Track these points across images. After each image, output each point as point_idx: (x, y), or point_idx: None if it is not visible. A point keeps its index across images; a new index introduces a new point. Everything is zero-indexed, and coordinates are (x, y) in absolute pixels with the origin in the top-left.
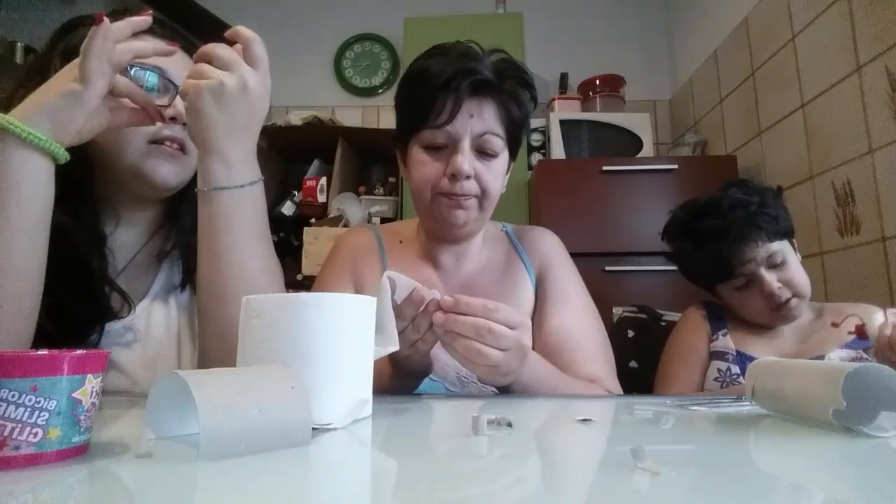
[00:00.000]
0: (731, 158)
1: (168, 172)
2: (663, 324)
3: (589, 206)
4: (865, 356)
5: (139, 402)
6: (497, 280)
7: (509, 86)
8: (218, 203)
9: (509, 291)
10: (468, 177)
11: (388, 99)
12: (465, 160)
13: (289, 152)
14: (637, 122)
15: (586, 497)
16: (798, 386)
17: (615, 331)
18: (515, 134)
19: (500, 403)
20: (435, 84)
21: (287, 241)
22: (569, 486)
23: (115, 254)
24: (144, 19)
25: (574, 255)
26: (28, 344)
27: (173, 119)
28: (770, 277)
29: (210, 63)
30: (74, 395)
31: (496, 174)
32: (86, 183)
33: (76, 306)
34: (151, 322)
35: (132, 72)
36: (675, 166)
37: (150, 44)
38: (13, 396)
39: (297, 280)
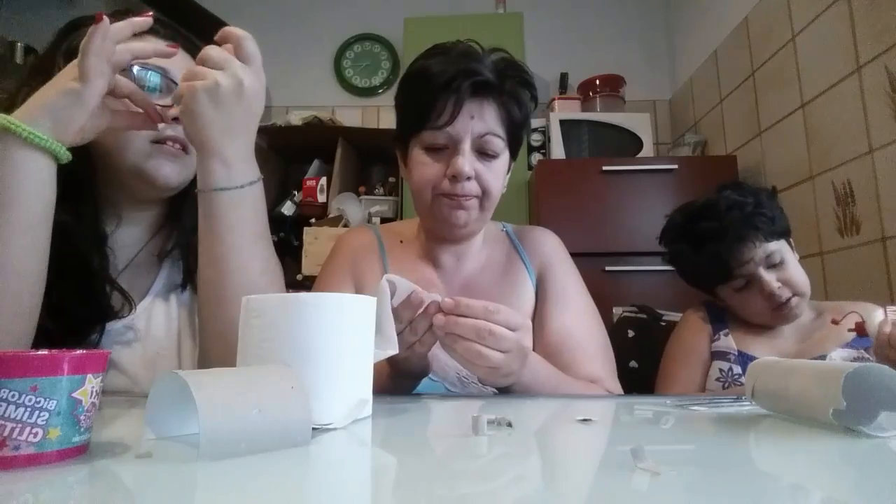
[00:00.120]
0: (731, 158)
1: (170, 172)
2: (663, 324)
3: (589, 206)
4: (867, 356)
5: (139, 402)
6: (497, 280)
7: (510, 86)
8: (218, 204)
9: (510, 291)
10: (469, 178)
11: (388, 99)
12: (466, 161)
13: (289, 152)
14: (637, 122)
15: (586, 497)
16: (798, 386)
17: (615, 331)
18: (516, 134)
19: (500, 403)
20: (435, 85)
21: (287, 241)
22: (569, 486)
23: (115, 253)
24: (145, 20)
25: (574, 255)
26: (28, 344)
27: (176, 119)
28: (769, 277)
29: (204, 65)
30: (74, 395)
31: (497, 174)
32: (87, 182)
33: (77, 305)
34: (152, 322)
35: (134, 71)
36: (675, 166)
37: (151, 45)
38: (13, 396)
39: (297, 280)
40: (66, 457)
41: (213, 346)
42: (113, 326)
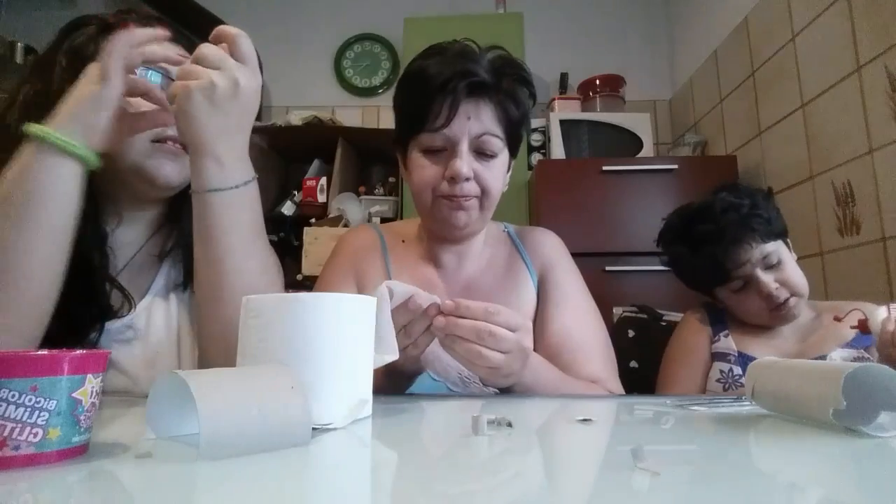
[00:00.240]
0: (731, 158)
1: (171, 171)
2: (663, 324)
3: (589, 206)
4: (867, 356)
5: (139, 402)
6: (499, 280)
7: (507, 84)
8: (213, 205)
9: (511, 292)
10: (467, 178)
11: (388, 99)
12: (464, 163)
13: (289, 152)
14: (637, 122)
15: (586, 497)
16: (798, 386)
17: (615, 331)
18: (514, 132)
19: (500, 403)
20: (431, 87)
21: (287, 241)
22: (569, 486)
23: (115, 252)
24: (165, 34)
25: (574, 255)
26: (37, 345)
27: None
28: (767, 278)
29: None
30: (74, 395)
31: (496, 174)
32: (88, 181)
33: (76, 304)
34: (151, 321)
35: (136, 71)
36: (675, 166)
37: (161, 50)
38: (13, 396)
39: (297, 280)
40: (66, 457)
41: (213, 346)
42: (112, 326)
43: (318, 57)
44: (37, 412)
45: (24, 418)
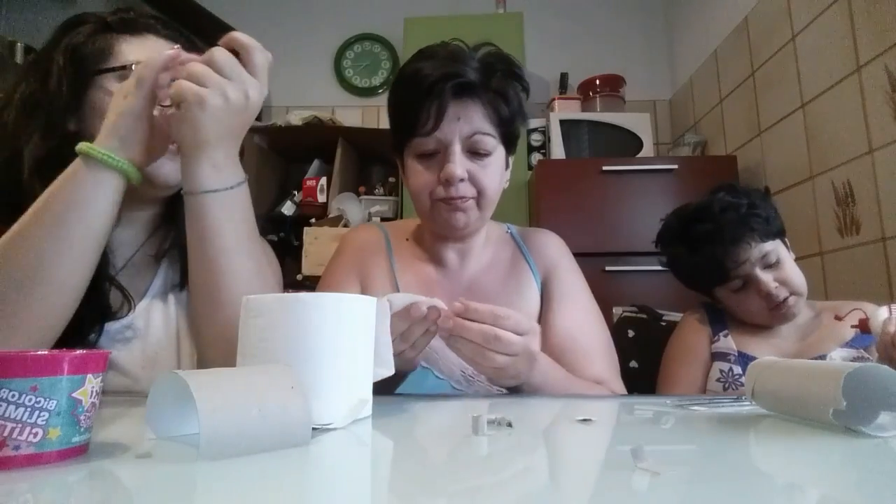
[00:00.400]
0: (731, 158)
1: (170, 171)
2: (663, 324)
3: (589, 206)
4: (866, 355)
5: (139, 402)
6: (502, 281)
7: (496, 82)
8: (208, 206)
9: (515, 292)
10: (462, 180)
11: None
12: (457, 165)
13: (289, 152)
14: (637, 122)
15: (586, 497)
16: (798, 386)
17: (615, 331)
18: (508, 129)
19: (500, 403)
20: (418, 92)
21: (287, 241)
22: (569, 485)
23: (114, 252)
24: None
25: (574, 255)
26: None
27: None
28: (766, 277)
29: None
30: (74, 395)
31: (492, 172)
32: None
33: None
34: (151, 321)
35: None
36: (675, 166)
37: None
38: (13, 396)
39: (297, 280)
40: (66, 457)
41: (211, 348)
42: (112, 326)
43: (318, 57)
44: (37, 412)
45: (24, 418)
